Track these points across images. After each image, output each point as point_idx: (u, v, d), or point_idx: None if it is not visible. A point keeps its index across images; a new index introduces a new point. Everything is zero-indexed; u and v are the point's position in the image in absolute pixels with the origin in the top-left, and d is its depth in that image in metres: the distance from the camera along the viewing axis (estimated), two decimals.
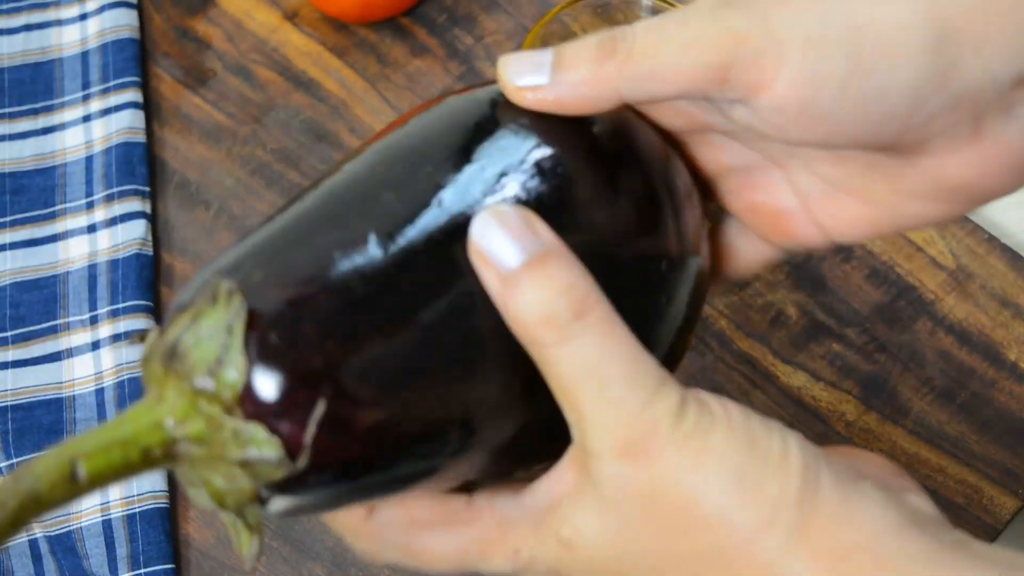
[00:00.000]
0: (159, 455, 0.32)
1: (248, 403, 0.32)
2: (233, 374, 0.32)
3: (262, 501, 0.33)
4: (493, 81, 0.40)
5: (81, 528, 0.57)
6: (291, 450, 0.32)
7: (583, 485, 0.36)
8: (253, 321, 0.32)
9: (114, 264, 0.62)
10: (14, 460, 0.58)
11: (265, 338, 0.32)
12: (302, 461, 0.32)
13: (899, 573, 0.34)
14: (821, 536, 0.34)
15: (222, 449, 0.32)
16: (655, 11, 0.59)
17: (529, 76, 0.39)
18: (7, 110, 0.67)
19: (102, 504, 0.57)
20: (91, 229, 0.63)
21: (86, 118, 0.66)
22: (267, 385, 0.32)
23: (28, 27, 0.69)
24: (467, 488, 0.38)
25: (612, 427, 0.35)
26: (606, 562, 0.37)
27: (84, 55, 0.68)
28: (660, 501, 0.35)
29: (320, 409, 0.32)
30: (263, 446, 0.32)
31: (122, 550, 0.56)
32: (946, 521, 0.37)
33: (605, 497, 0.36)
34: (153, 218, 0.64)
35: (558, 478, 0.37)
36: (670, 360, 0.41)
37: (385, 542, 0.38)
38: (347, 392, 0.32)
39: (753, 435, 0.35)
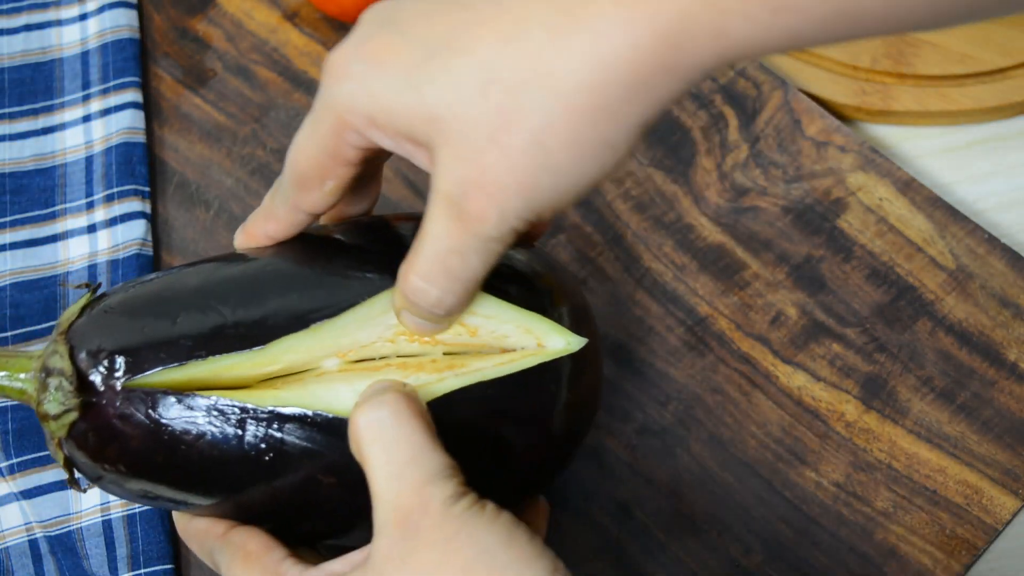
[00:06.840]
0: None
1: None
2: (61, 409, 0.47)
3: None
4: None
5: (81, 528, 0.57)
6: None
7: (365, 563, 0.41)
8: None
9: (114, 264, 0.62)
10: (14, 460, 0.58)
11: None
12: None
13: None
14: None
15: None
16: None
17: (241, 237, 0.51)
18: (7, 110, 0.67)
19: (102, 504, 0.57)
20: (91, 229, 0.63)
21: (86, 118, 0.66)
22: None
23: (28, 27, 0.69)
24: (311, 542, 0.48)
25: (393, 500, 0.41)
26: None
27: (84, 55, 0.68)
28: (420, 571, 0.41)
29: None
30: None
31: (122, 550, 0.56)
32: None
33: (377, 570, 0.41)
34: (153, 218, 0.65)
35: (350, 556, 0.44)
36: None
37: (204, 548, 0.47)
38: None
39: (514, 534, 0.41)
